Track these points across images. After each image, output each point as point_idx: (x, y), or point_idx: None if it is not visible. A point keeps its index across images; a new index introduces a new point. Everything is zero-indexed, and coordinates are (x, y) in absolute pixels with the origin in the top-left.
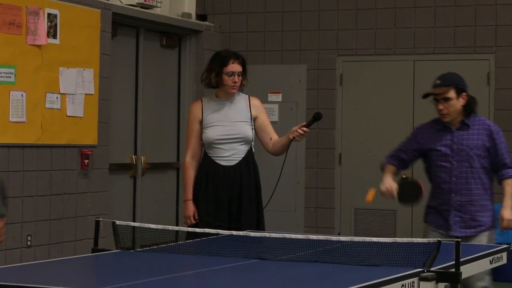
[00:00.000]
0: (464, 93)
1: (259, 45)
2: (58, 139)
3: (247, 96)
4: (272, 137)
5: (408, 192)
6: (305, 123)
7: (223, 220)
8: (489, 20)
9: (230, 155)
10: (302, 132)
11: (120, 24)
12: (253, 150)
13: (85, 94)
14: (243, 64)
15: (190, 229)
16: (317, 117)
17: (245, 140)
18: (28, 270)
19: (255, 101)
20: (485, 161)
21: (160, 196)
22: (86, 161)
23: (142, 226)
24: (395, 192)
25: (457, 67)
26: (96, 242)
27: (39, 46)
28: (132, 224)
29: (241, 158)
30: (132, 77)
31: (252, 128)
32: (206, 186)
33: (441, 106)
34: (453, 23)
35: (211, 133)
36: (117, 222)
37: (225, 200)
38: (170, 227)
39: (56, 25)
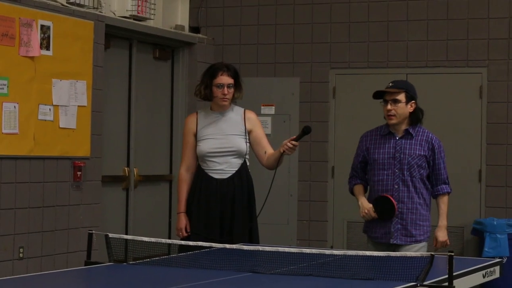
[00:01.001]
0: (413, 101)
1: (252, 57)
2: (51, 151)
3: (242, 109)
4: (267, 150)
5: (383, 207)
6: (294, 136)
7: (214, 233)
8: (482, 33)
9: (223, 168)
10: (292, 145)
11: (113, 36)
12: (248, 164)
13: (78, 106)
14: (235, 76)
15: (183, 242)
16: (306, 131)
17: (238, 154)
18: (20, 282)
19: (251, 114)
20: (424, 172)
21: (153, 208)
22: (78, 173)
23: (135, 239)
24: (372, 212)
25: (450, 80)
26: (89, 255)
27: (32, 58)
28: (125, 236)
29: (234, 171)
30: (125, 89)
31: (246, 142)
32: (198, 198)
33: (389, 107)
34: (445, 36)
35: (204, 146)
36: (110, 235)
37: (217, 213)
38: (163, 240)
39: (49, 36)
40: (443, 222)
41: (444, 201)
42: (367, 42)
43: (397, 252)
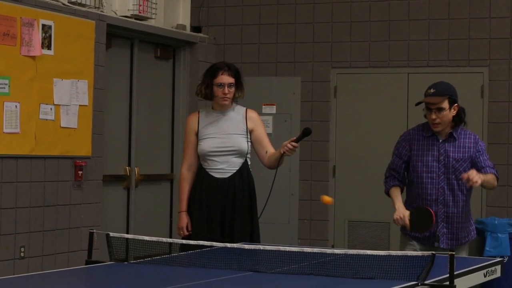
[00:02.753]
0: (456, 104)
1: (253, 57)
2: (52, 150)
3: (244, 108)
4: (268, 150)
5: (420, 219)
6: (295, 138)
7: (215, 232)
8: (483, 33)
9: (224, 168)
10: (292, 147)
11: (115, 35)
12: (249, 163)
13: (79, 105)
14: (236, 76)
15: (184, 241)
16: (306, 132)
17: (239, 153)
18: (21, 282)
19: (252, 114)
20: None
21: (154, 207)
22: (79, 172)
23: (136, 238)
24: (407, 220)
25: (451, 79)
26: (90, 254)
27: (33, 57)
28: (126, 236)
29: (235, 171)
30: (126, 89)
31: (248, 141)
32: (200, 198)
33: (434, 116)
34: (447, 36)
35: (205, 145)
36: (111, 234)
37: (218, 212)
38: (164, 239)
39: (50, 36)
40: (482, 176)
41: (490, 175)
42: (369, 41)
43: (398, 251)
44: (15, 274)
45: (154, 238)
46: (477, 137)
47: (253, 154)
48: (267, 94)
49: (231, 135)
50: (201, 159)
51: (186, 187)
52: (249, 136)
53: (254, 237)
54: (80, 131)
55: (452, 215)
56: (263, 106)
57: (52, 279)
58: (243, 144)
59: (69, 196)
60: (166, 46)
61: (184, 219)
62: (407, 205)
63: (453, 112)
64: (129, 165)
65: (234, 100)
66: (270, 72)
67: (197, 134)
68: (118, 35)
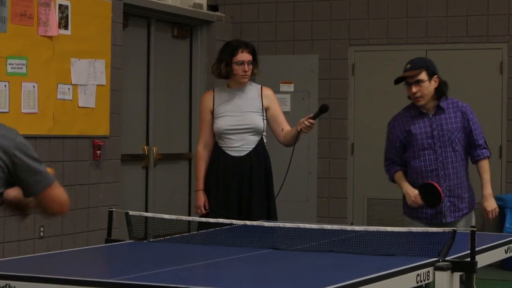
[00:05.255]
0: (436, 76)
1: (270, 35)
2: (70, 130)
3: (259, 86)
4: (284, 127)
5: (428, 194)
6: (312, 115)
7: (232, 210)
8: (502, 9)
9: (240, 146)
10: (309, 124)
11: (132, 14)
12: (265, 141)
13: (97, 85)
14: (253, 53)
15: (203, 219)
16: (323, 109)
17: (255, 131)
18: (41, 261)
19: (267, 91)
20: (464, 143)
21: (172, 186)
22: (98, 152)
23: (155, 216)
24: (419, 199)
25: (470, 56)
26: (109, 233)
27: (50, 37)
28: (145, 214)
29: (251, 149)
30: (144, 68)
31: (264, 119)
32: (216, 176)
33: (414, 89)
34: (465, 12)
35: (221, 123)
36: (130, 213)
37: (235, 190)
38: (183, 218)
39: (67, 16)
40: (487, 190)
41: (485, 168)
42: (386, 18)
43: (418, 228)
44: (35, 253)
45: (173, 217)
46: (464, 104)
47: (269, 132)
48: (284, 72)
49: (246, 113)
50: (217, 137)
51: (203, 166)
52: (264, 114)
53: (271, 215)
54: (98, 111)
55: (454, 187)
56: (281, 84)
57: (73, 258)
58: (259, 121)
59: (88, 175)
60: (183, 25)
61: (202, 198)
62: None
63: (434, 84)
64: (147, 144)
65: (251, 77)
66: (288, 50)
67: (212, 112)
68: (135, 14)
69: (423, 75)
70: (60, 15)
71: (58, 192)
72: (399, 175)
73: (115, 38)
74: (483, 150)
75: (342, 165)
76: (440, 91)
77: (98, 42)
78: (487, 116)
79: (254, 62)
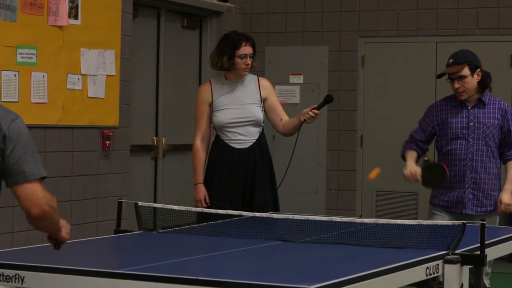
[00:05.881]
0: (479, 69)
1: (280, 26)
2: (79, 120)
3: (256, 77)
4: (282, 117)
5: (432, 175)
6: (316, 105)
7: (237, 203)
8: None
9: (243, 138)
10: (313, 114)
11: (141, 5)
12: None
13: (106, 75)
14: (253, 46)
15: (213, 211)
16: (328, 100)
17: (256, 122)
18: (50, 251)
19: (264, 82)
20: (498, 141)
21: (181, 177)
22: (107, 142)
23: (165, 207)
24: (419, 176)
25: (480, 48)
26: (118, 223)
27: (60, 27)
28: (154, 205)
29: (254, 141)
30: (153, 58)
31: (262, 110)
32: (221, 169)
33: (457, 85)
34: (476, 4)
35: (222, 117)
36: (140, 203)
37: (240, 183)
38: (193, 209)
39: (77, 6)
40: (508, 186)
41: None
42: (397, 10)
43: (428, 221)
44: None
45: (182, 208)
46: (505, 103)
47: (266, 123)
48: (294, 63)
49: (247, 105)
50: (218, 130)
51: (201, 159)
52: (262, 105)
53: (275, 207)
54: (108, 101)
55: (480, 181)
56: (290, 76)
57: (81, 247)
58: (259, 113)
59: (97, 166)
60: (193, 15)
61: (202, 191)
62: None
63: (477, 78)
64: (156, 135)
65: (250, 69)
66: (297, 41)
67: (210, 105)
68: (144, 4)
69: (466, 71)
70: (70, 4)
71: (35, 191)
72: (410, 153)
73: (125, 29)
74: None
75: (351, 157)
76: (483, 84)
77: (108, 32)
78: None
79: (254, 54)
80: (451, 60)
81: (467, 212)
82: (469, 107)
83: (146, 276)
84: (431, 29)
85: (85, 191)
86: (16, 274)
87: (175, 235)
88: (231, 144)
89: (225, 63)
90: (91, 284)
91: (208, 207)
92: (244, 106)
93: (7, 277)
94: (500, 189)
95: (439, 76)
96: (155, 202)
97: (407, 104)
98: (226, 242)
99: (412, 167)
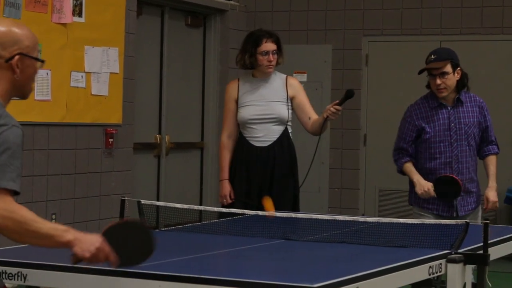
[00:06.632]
0: (459, 68)
1: (284, 24)
2: (83, 118)
3: (284, 75)
4: (311, 116)
5: (446, 187)
6: (338, 101)
7: (253, 200)
8: None
9: (264, 136)
10: (335, 110)
11: (145, 3)
12: (290, 131)
13: (110, 73)
14: (277, 42)
15: (215, 209)
16: (349, 95)
17: (279, 121)
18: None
19: (293, 81)
20: (478, 138)
21: (184, 175)
22: (110, 140)
23: (167, 205)
24: (432, 192)
25: (484, 47)
26: None
27: (64, 25)
28: (157, 203)
29: (275, 139)
30: (157, 56)
31: (289, 109)
32: (240, 166)
33: (439, 81)
34: (480, 3)
35: (245, 113)
36: (142, 201)
37: (257, 181)
38: (195, 207)
39: (81, 3)
40: (493, 183)
41: (492, 162)
42: (401, 9)
43: (431, 220)
44: None
45: (185, 206)
46: (481, 100)
47: (294, 123)
48: (298, 62)
49: (271, 103)
50: (241, 127)
51: (227, 155)
52: (290, 103)
53: (295, 207)
54: (111, 99)
55: (466, 182)
56: (294, 74)
57: None
58: (284, 111)
59: (100, 163)
60: (197, 13)
61: (227, 187)
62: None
63: (457, 76)
64: (159, 133)
65: (276, 66)
66: (301, 40)
67: (236, 102)
68: (148, 2)
69: (448, 67)
70: (74, 2)
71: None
72: (409, 166)
73: (129, 26)
74: (495, 146)
75: (354, 155)
76: (462, 84)
77: (112, 30)
78: (500, 107)
79: (279, 51)
80: (433, 57)
81: (459, 214)
82: (449, 108)
83: (148, 275)
84: (435, 28)
85: (88, 189)
86: (18, 272)
87: (177, 233)
88: (251, 142)
89: (247, 61)
90: (94, 282)
91: (232, 203)
92: (268, 104)
93: (10, 275)
94: (478, 185)
95: (420, 72)
96: (157, 200)
97: (411, 103)
98: (229, 240)
99: (424, 183)
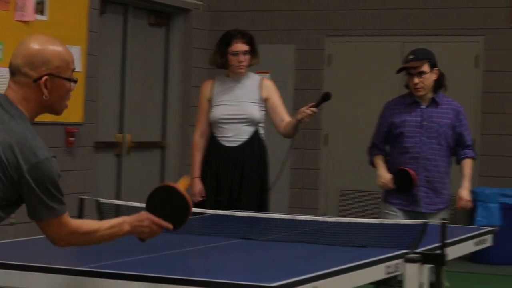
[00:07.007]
0: (436, 68)
1: (248, 24)
2: (43, 116)
3: (259, 76)
4: (284, 118)
5: (402, 180)
6: (313, 103)
7: (222, 202)
8: (480, 2)
9: (234, 136)
10: (311, 112)
11: (109, 1)
12: (261, 132)
13: None
14: (250, 43)
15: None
16: (326, 97)
17: (250, 121)
18: (10, 247)
19: (267, 82)
20: (451, 140)
21: (145, 174)
22: (71, 138)
23: (127, 204)
24: (391, 183)
25: (447, 49)
26: None
27: (26, 22)
28: (116, 202)
29: (245, 140)
30: (120, 55)
31: (261, 110)
32: (209, 165)
33: (416, 80)
34: (443, 4)
35: (216, 112)
36: (101, 200)
37: (226, 181)
38: None
39: (43, 1)
40: (466, 183)
41: (468, 165)
42: (364, 9)
43: (390, 220)
44: (4, 240)
45: (144, 205)
46: (459, 104)
47: (268, 125)
48: (261, 62)
49: (243, 103)
50: (212, 126)
51: (199, 154)
52: (263, 105)
53: (263, 207)
54: (72, 98)
55: (432, 179)
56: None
57: (42, 244)
58: (255, 112)
59: (60, 162)
60: (160, 12)
61: (198, 185)
62: (391, 173)
63: (434, 76)
64: (121, 132)
65: (249, 67)
66: (265, 39)
67: (209, 101)
68: (112, 1)
69: (426, 67)
70: (37, 0)
71: (54, 228)
72: (378, 158)
73: (92, 25)
74: (471, 150)
75: (315, 156)
76: (439, 84)
77: (74, 28)
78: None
79: (252, 52)
80: (411, 56)
81: (421, 210)
82: (423, 106)
83: (106, 274)
84: (398, 28)
85: None
86: None
87: None
88: (221, 141)
89: (218, 60)
90: (52, 282)
91: (202, 201)
92: (240, 104)
93: None
94: (449, 188)
95: (399, 71)
96: (118, 199)
97: (373, 103)
98: (189, 239)
99: (384, 176)
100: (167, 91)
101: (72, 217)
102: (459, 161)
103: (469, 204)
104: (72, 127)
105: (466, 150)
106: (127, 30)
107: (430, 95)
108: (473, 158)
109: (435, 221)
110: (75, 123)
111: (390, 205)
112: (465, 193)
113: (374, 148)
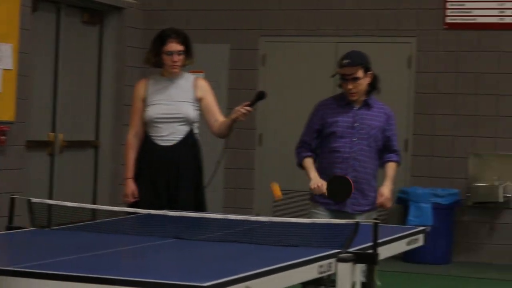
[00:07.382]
0: (370, 72)
1: (182, 23)
2: None
3: (193, 76)
4: (218, 118)
5: (338, 187)
6: (248, 102)
7: (162, 199)
8: (412, 3)
9: (168, 135)
10: (246, 111)
11: None
12: (196, 132)
13: (3, 69)
14: (185, 43)
15: (108, 208)
16: (261, 96)
17: (185, 121)
18: None
19: (201, 82)
20: (380, 143)
21: (78, 174)
22: (2, 137)
23: (59, 204)
24: (324, 189)
25: (380, 49)
26: (10, 220)
27: None
28: (48, 201)
29: (180, 139)
30: (52, 53)
31: (196, 109)
32: (143, 165)
33: (350, 86)
34: (376, 5)
35: (151, 112)
36: (32, 200)
37: (163, 180)
38: (87, 206)
39: None
40: (388, 182)
41: (392, 167)
42: (298, 9)
43: (322, 220)
44: None
45: (76, 204)
46: (390, 109)
47: (202, 124)
48: (195, 61)
49: (178, 102)
50: (147, 125)
51: (132, 154)
52: (197, 104)
53: (200, 207)
54: (4, 96)
55: (359, 180)
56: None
57: None
58: (190, 111)
59: None
60: (94, 10)
61: (131, 186)
62: (319, 173)
63: (368, 80)
64: (53, 131)
65: (183, 67)
66: (199, 39)
67: (144, 101)
68: None
69: (360, 73)
70: None
71: None
72: (308, 161)
73: (24, 22)
74: (396, 155)
75: (250, 155)
76: (372, 86)
77: (5, 26)
78: (394, 109)
79: (187, 52)
80: (345, 61)
81: (347, 210)
82: (356, 108)
83: (37, 274)
84: (332, 29)
85: None
86: None
87: (68, 232)
88: (155, 141)
89: (152, 59)
90: None
91: (135, 202)
92: (175, 103)
93: None
94: (375, 191)
95: (333, 75)
96: (51, 198)
97: (306, 103)
98: (121, 239)
99: (317, 180)
100: (100, 90)
101: (3, 217)
102: (383, 164)
103: (389, 203)
104: (3, 126)
105: (392, 154)
106: (60, 27)
107: (363, 97)
108: (397, 162)
109: (367, 221)
110: (6, 121)
111: (317, 204)
112: (386, 190)
113: (305, 149)
